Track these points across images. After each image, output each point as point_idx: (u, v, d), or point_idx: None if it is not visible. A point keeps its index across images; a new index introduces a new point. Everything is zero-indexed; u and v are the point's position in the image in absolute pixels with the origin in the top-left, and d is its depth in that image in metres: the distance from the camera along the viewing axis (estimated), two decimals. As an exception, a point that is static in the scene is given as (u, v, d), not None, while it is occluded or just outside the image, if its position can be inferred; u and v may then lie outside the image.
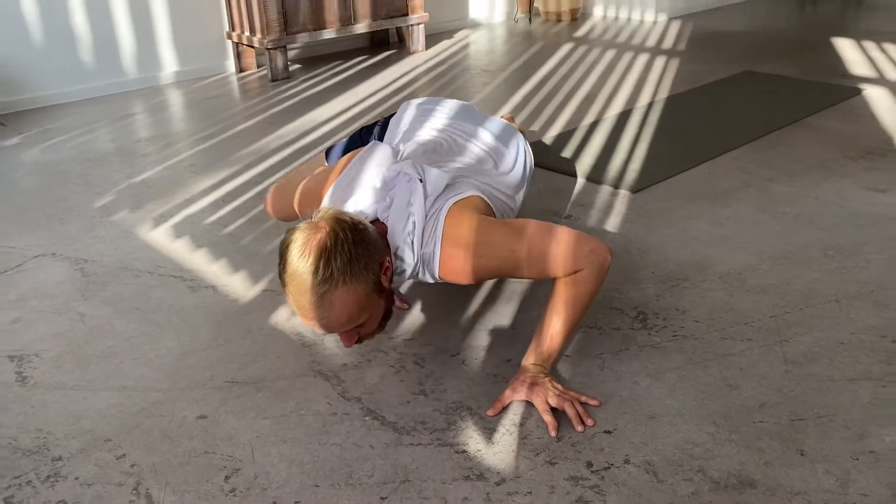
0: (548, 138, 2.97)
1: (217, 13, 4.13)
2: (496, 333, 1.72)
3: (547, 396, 1.42)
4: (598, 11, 5.69)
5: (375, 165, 1.55)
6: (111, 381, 1.59)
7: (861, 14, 5.40)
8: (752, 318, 1.73)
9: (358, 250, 1.29)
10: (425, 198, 1.47)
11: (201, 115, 3.45)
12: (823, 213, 2.26)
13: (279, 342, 1.71)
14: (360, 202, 1.49)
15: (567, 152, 2.81)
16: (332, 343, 1.69)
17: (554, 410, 1.42)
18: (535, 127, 3.13)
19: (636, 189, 2.46)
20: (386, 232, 1.46)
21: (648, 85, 3.72)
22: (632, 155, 2.76)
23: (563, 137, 2.98)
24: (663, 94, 3.56)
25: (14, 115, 3.51)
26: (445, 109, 1.92)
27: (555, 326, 1.47)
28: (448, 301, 1.85)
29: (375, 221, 1.48)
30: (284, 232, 1.29)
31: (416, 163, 1.52)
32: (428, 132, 1.82)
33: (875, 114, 3.16)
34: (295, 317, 1.80)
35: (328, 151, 1.99)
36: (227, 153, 2.94)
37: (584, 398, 1.46)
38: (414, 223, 1.44)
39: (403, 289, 1.92)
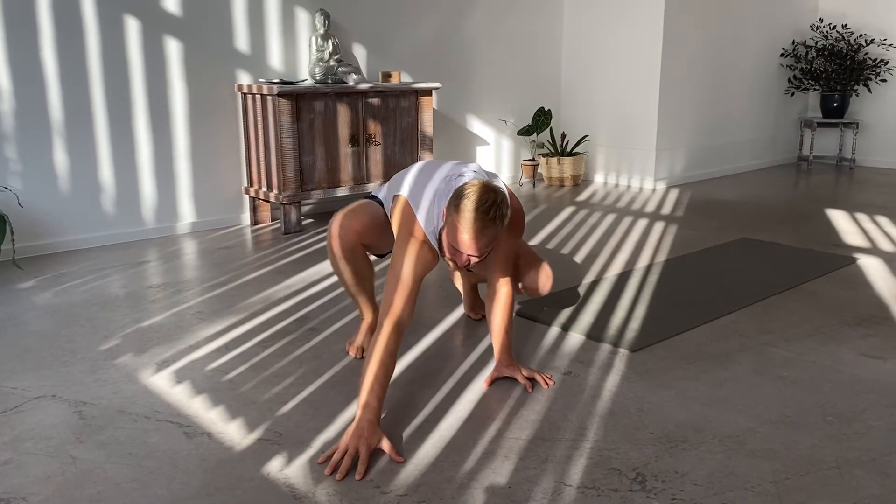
0: (549, 295, 3.03)
1: (237, 171, 4.37)
2: (491, 492, 1.68)
3: (522, 372, 2.23)
4: (598, 178, 5.97)
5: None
6: (96, 528, 1.55)
7: (853, 188, 5.64)
8: (752, 482, 1.70)
9: (506, 212, 2.01)
10: None
11: (213, 264, 3.55)
12: (821, 379, 2.26)
13: (269, 494, 1.68)
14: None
15: (568, 310, 2.86)
16: (323, 497, 1.66)
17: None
18: (537, 285, 3.21)
19: (635, 348, 2.49)
20: None
21: (647, 248, 3.85)
22: (631, 314, 2.81)
23: (565, 295, 3.05)
24: (662, 257, 3.67)
25: (34, 259, 3.63)
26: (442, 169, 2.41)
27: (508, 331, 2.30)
28: (445, 455, 1.83)
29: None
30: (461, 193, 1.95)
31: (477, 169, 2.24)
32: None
33: (870, 282, 3.23)
34: (287, 467, 1.78)
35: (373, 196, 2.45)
36: (234, 301, 3.01)
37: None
38: None
39: (406, 432, 1.90)
